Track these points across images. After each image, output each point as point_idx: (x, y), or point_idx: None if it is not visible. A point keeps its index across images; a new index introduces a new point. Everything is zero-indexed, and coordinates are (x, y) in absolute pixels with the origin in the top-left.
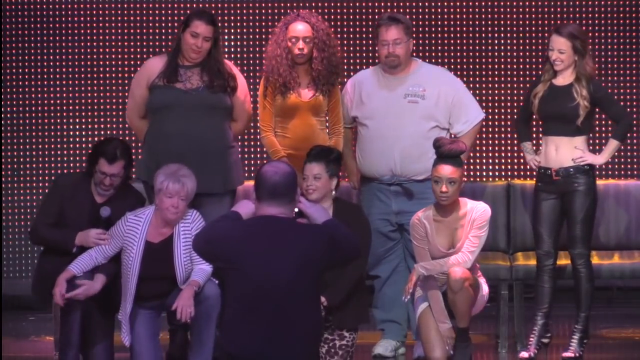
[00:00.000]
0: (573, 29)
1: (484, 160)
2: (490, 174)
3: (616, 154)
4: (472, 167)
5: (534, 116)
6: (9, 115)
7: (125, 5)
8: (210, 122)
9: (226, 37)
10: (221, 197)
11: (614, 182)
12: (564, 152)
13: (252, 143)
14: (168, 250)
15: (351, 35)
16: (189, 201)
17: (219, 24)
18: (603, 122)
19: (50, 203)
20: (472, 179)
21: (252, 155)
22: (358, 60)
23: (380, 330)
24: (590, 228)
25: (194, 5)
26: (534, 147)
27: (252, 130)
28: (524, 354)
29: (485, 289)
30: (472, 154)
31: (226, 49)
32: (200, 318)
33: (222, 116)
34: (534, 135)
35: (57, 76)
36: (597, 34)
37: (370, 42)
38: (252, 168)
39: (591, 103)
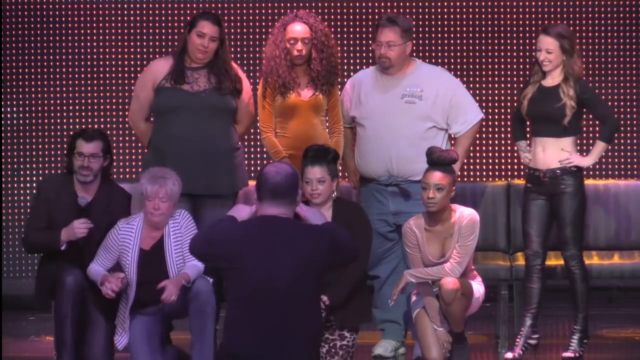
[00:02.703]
0: (561, 29)
1: (484, 160)
2: (490, 174)
3: (616, 154)
4: (472, 167)
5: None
6: (9, 115)
7: (126, 5)
8: (217, 124)
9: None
10: (226, 199)
11: (614, 182)
12: (551, 153)
13: (252, 143)
14: (160, 253)
15: (351, 35)
16: (173, 202)
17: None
18: (591, 122)
19: (37, 209)
20: (472, 179)
21: (254, 156)
22: (358, 60)
23: (380, 331)
24: (580, 229)
25: (194, 5)
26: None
27: (252, 131)
28: (509, 355)
29: (480, 290)
30: (472, 154)
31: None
32: (195, 314)
33: (228, 118)
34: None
35: (58, 76)
36: (597, 34)
37: (370, 42)
38: (253, 169)
39: (578, 103)
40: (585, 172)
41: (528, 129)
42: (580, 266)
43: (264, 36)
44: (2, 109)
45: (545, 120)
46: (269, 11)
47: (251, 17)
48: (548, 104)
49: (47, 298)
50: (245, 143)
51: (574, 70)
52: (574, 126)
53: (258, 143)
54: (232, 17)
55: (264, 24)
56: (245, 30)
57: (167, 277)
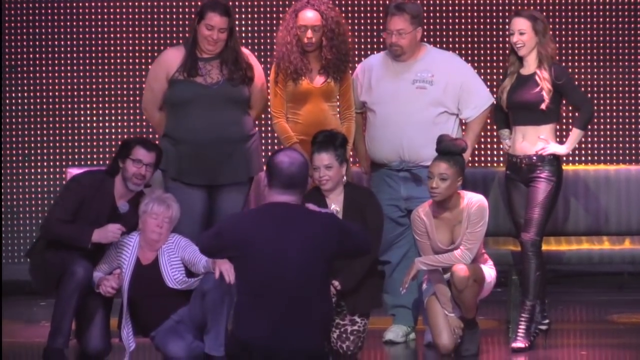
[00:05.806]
0: (532, 11)
1: (495, 146)
2: (502, 159)
3: (627, 139)
4: (482, 152)
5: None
6: (19, 101)
7: None
8: (231, 114)
9: (237, 22)
10: (242, 185)
11: (625, 167)
12: (530, 140)
13: (263, 129)
14: (156, 269)
15: (362, 21)
16: (172, 226)
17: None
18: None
19: (69, 201)
20: (483, 165)
21: (266, 142)
22: (369, 46)
23: (391, 316)
24: (547, 215)
25: None
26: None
27: (264, 117)
28: (519, 345)
29: (492, 274)
30: (482, 139)
31: (238, 35)
32: (211, 304)
33: (242, 107)
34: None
35: (67, 61)
36: (607, 19)
37: (382, 26)
38: (265, 155)
39: (554, 88)
40: (596, 157)
41: None
42: (537, 254)
43: (275, 21)
44: (12, 95)
45: (524, 107)
46: None
47: (267, 2)
48: (526, 91)
49: (52, 285)
50: (262, 129)
51: (547, 52)
52: (552, 113)
53: (269, 129)
54: (243, 2)
55: (280, 8)
56: (256, 15)
57: (165, 290)
